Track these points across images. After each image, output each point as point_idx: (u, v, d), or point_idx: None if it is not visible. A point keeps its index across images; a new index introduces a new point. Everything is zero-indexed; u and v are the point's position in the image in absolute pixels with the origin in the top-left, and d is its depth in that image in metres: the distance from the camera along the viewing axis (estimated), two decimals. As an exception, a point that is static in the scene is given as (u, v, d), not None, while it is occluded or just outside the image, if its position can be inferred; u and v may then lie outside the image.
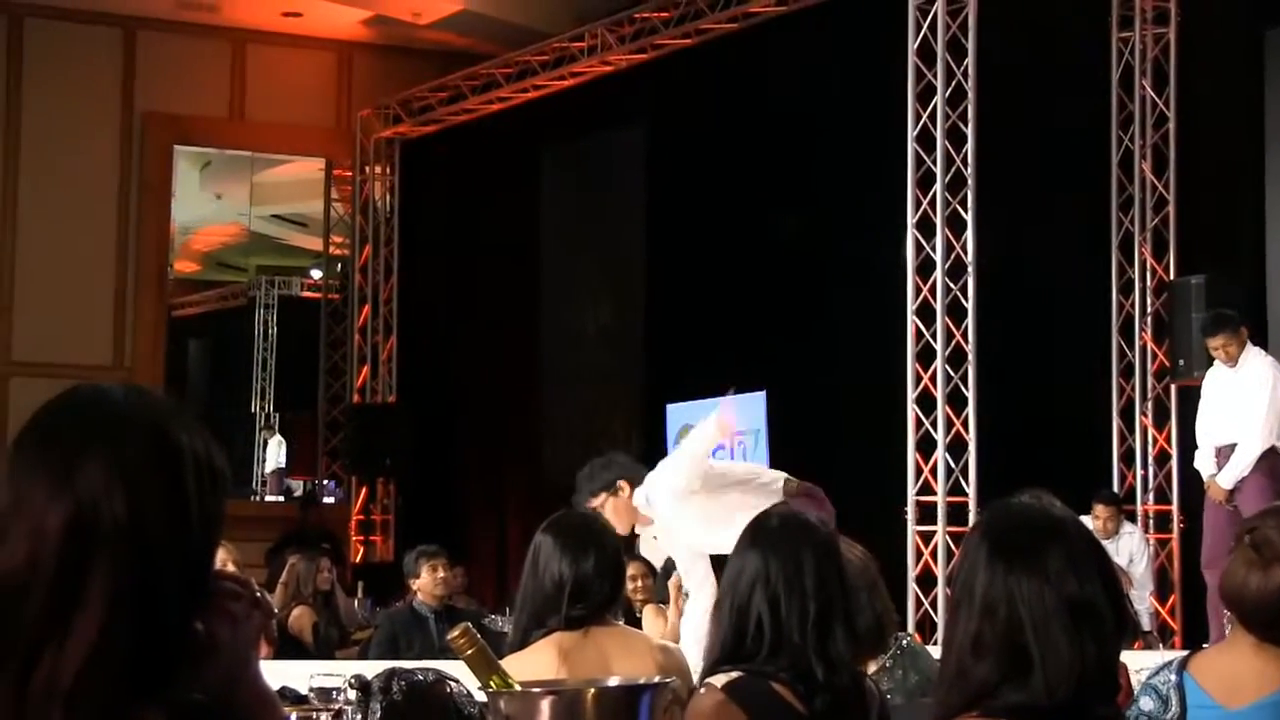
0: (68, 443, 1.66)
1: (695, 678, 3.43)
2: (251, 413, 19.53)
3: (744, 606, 3.20)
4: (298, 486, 18.50)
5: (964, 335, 10.38)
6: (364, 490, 16.27)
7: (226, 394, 19.58)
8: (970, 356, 10.34)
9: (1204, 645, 4.55)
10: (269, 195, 18.84)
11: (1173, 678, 3.61)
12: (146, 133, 15.85)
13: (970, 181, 10.41)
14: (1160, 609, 11.21)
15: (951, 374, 10.36)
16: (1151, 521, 11.47)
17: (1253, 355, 9.28)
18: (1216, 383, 9.42)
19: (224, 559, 7.74)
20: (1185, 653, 3.80)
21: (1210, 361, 9.49)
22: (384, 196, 16.79)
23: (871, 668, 4.19)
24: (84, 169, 15.52)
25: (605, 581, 3.86)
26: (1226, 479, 9.15)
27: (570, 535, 3.90)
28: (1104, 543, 3.72)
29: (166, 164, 16.16)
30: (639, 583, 8.83)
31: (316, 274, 18.65)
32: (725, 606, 3.24)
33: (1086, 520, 8.38)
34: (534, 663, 3.65)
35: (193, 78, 16.01)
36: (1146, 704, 3.63)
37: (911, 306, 10.44)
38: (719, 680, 3.17)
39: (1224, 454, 9.25)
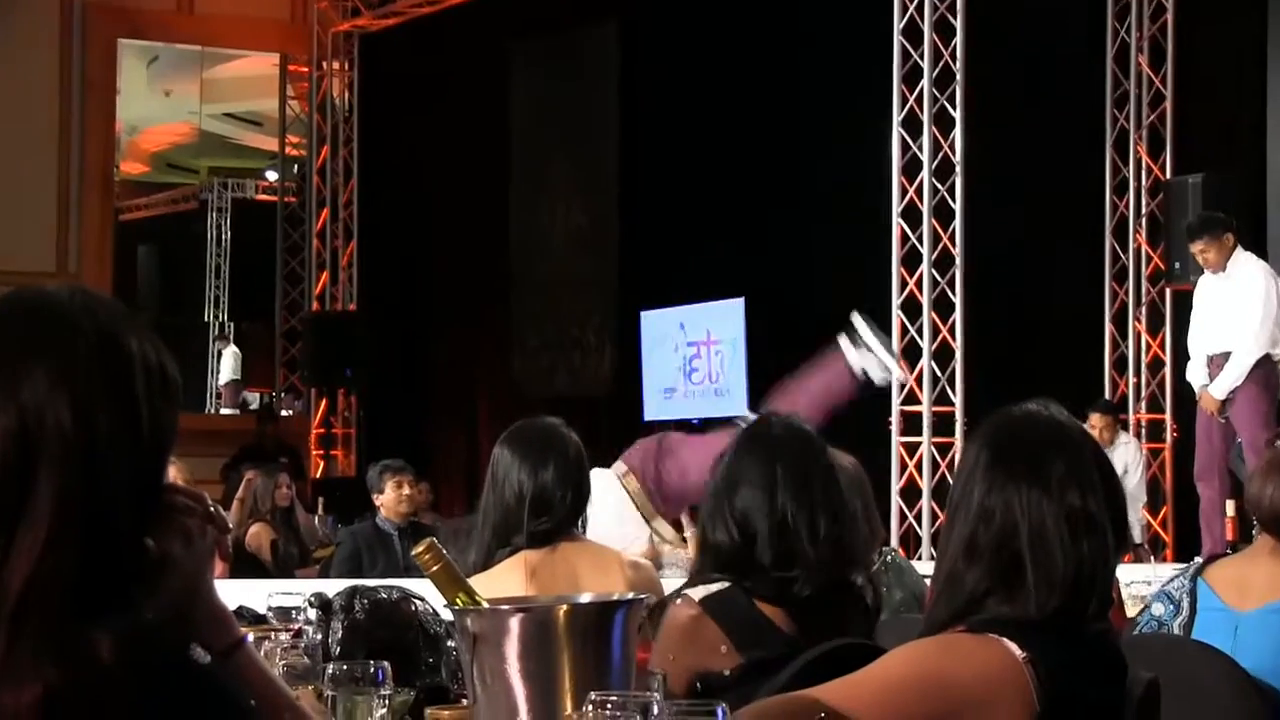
0: (9, 348, 1.65)
1: None
2: (204, 322, 19.49)
3: (744, 514, 3.20)
4: (254, 399, 18.49)
5: (951, 238, 10.37)
6: (324, 402, 16.26)
7: (178, 302, 19.55)
8: (958, 260, 10.34)
9: (1218, 555, 4.66)
10: (221, 92, 18.71)
11: (1187, 583, 3.68)
12: (89, 26, 15.65)
13: (959, 77, 10.38)
14: (1152, 521, 11.29)
15: (938, 279, 10.36)
16: (1144, 431, 11.53)
17: (1244, 260, 9.25)
18: (1209, 290, 9.42)
19: (175, 476, 7.73)
20: (1202, 559, 3.89)
21: (1206, 266, 9.51)
22: (343, 94, 16.66)
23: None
24: (21, 65, 15.32)
25: (567, 490, 3.86)
26: (1219, 389, 9.16)
27: (529, 445, 3.90)
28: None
29: (111, 59, 15.99)
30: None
31: (272, 176, 18.56)
32: (719, 513, 3.23)
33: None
34: (500, 582, 3.65)
35: (138, -33, 15.82)
36: (1158, 609, 3.69)
37: (897, 208, 10.43)
38: (697, 593, 3.17)
39: (1216, 363, 9.24)
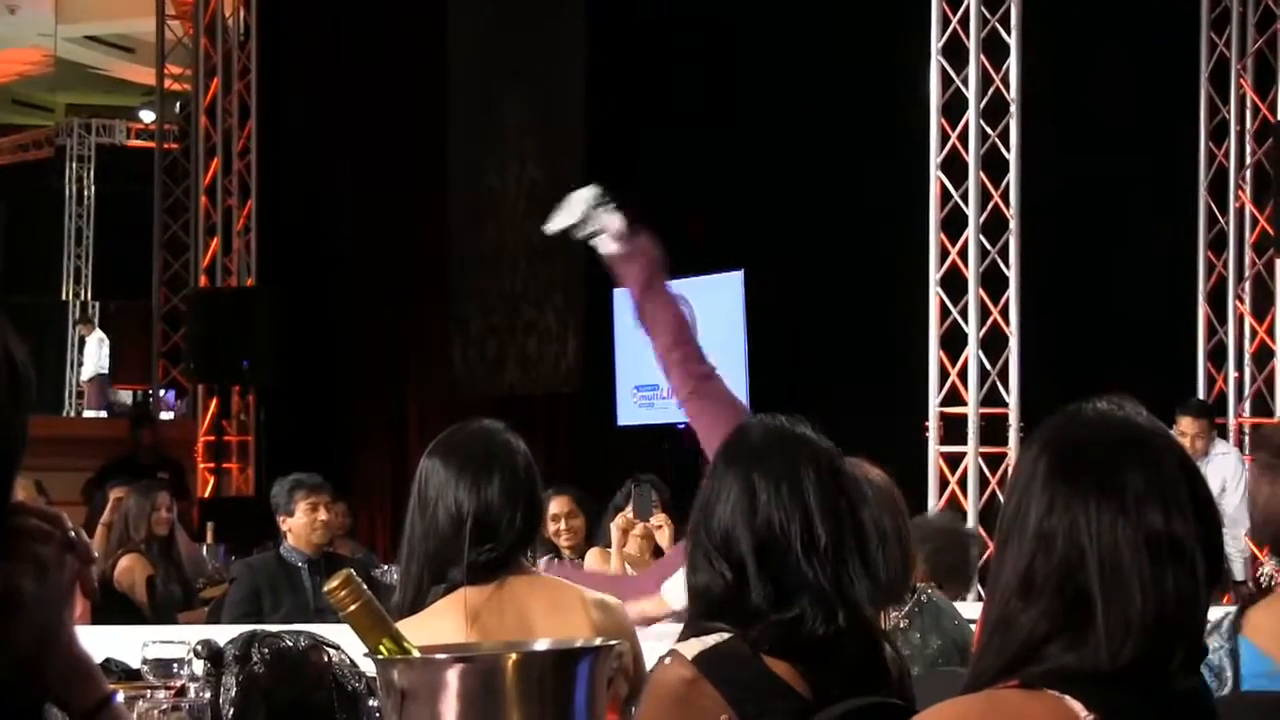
0: None
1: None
2: (62, 300, 19.47)
3: (724, 536, 3.20)
4: (126, 398, 18.47)
5: (1004, 195, 10.38)
6: (214, 403, 16.25)
7: (28, 276, 19.51)
8: (1012, 223, 10.35)
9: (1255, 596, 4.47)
10: (81, 10, 18.67)
11: (1225, 644, 3.59)
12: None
13: (1014, -8, 10.41)
14: (1258, 552, 11.32)
15: (988, 246, 10.37)
16: (1247, 439, 11.56)
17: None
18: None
19: (24, 495, 7.72)
20: (1234, 609, 3.75)
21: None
22: (236, 13, 16.64)
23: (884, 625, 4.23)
24: None
25: (516, 510, 3.87)
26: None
27: (466, 455, 3.90)
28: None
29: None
30: (564, 524, 8.90)
31: (147, 116, 18.53)
32: (699, 547, 3.24)
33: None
34: (434, 627, 3.66)
35: None
36: None
37: (935, 158, 10.44)
38: (690, 648, 3.17)
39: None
